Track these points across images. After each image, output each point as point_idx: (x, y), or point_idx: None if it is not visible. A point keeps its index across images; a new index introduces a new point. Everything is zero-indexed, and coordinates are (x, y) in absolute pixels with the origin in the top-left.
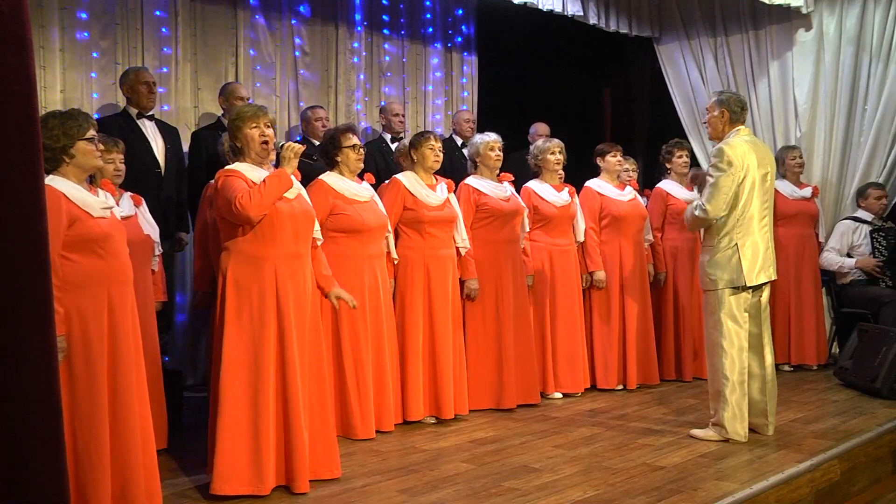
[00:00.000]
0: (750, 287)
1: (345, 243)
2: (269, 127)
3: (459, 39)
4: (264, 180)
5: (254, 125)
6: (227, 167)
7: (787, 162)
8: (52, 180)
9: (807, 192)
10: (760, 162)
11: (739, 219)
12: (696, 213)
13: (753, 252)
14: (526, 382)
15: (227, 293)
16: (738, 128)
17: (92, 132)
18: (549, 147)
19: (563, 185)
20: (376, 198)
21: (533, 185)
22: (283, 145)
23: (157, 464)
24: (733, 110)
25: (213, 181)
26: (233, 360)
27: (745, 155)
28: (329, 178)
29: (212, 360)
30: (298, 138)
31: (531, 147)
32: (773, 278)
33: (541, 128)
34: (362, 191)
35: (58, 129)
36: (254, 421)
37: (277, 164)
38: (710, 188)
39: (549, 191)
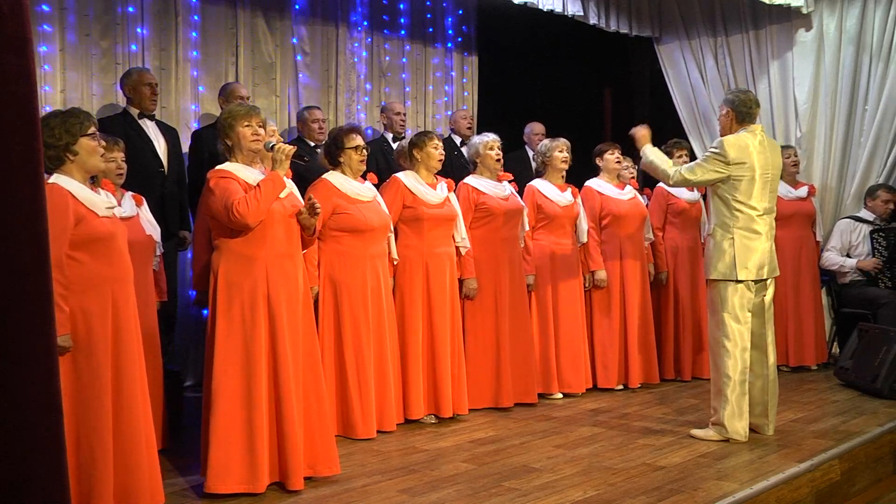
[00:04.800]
0: (752, 286)
1: (347, 242)
2: (261, 126)
3: (459, 39)
4: (258, 185)
5: (246, 124)
6: (218, 167)
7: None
8: (57, 178)
9: (802, 191)
10: (765, 163)
11: (737, 216)
12: (671, 174)
13: (748, 250)
14: (523, 381)
15: (219, 292)
16: (750, 125)
17: (93, 129)
18: (556, 146)
19: (566, 185)
20: (379, 198)
21: (537, 183)
22: (273, 147)
23: (158, 462)
24: (739, 110)
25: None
26: (224, 359)
27: (744, 153)
28: (332, 177)
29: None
30: (295, 138)
31: (538, 146)
32: (764, 277)
33: (536, 127)
34: (365, 190)
35: (59, 128)
36: (247, 419)
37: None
38: (696, 162)
39: (553, 190)
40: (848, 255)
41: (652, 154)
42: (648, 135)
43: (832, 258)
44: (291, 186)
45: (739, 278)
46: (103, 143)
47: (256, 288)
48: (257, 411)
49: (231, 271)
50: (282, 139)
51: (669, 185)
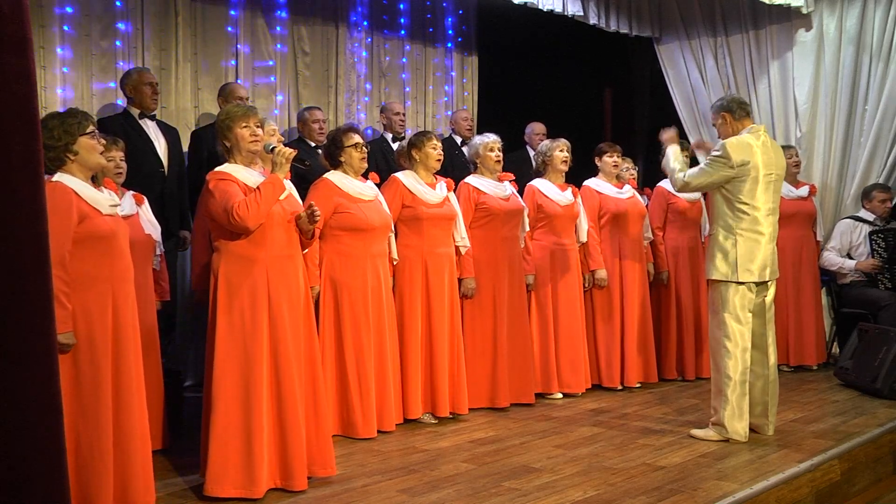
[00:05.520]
0: (753, 287)
1: (348, 242)
2: (259, 127)
3: (459, 39)
4: (259, 188)
5: (244, 125)
6: (217, 169)
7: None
8: (60, 177)
9: (803, 191)
10: (768, 163)
11: (741, 217)
12: (676, 180)
13: (751, 251)
14: (520, 381)
15: (219, 293)
16: (750, 126)
17: (92, 128)
18: (557, 146)
19: (566, 185)
20: (380, 197)
21: (537, 183)
22: (273, 149)
23: (151, 461)
24: (733, 110)
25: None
26: (224, 361)
27: (748, 154)
28: (333, 176)
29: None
30: (290, 139)
31: (539, 145)
32: (766, 279)
33: (537, 127)
34: (367, 190)
35: (58, 129)
36: (246, 423)
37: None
38: (700, 167)
39: (553, 190)
40: (849, 255)
41: (672, 157)
42: (676, 137)
43: (832, 259)
44: (290, 188)
45: (741, 280)
46: (102, 142)
47: (257, 290)
48: (256, 416)
49: (231, 273)
50: (282, 139)
51: (676, 191)
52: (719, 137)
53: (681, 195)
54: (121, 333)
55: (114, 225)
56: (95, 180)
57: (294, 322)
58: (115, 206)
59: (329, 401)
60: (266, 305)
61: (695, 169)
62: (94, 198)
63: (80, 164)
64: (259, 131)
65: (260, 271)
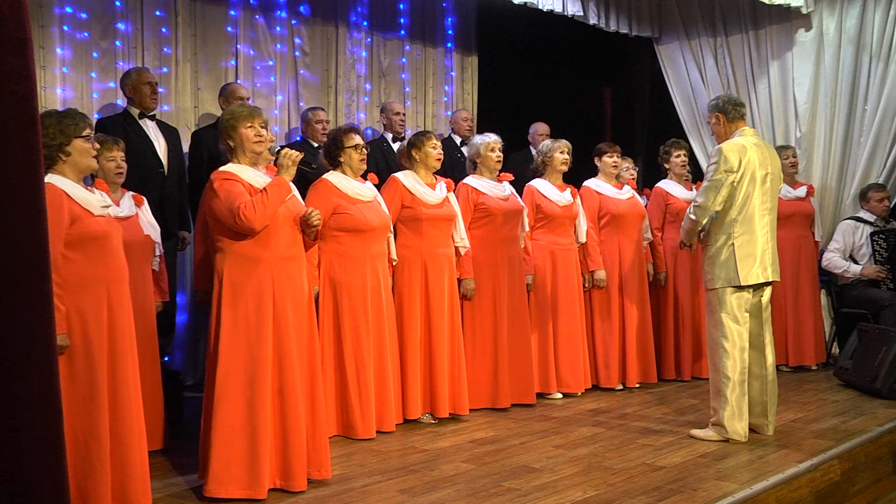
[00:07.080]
0: (750, 287)
1: (347, 243)
2: (263, 127)
3: (460, 39)
4: (265, 190)
5: (248, 125)
6: (221, 169)
7: (781, 162)
8: (51, 178)
9: (801, 191)
10: (763, 163)
11: (737, 218)
12: (691, 214)
13: (750, 252)
14: (521, 382)
15: (223, 294)
16: (742, 128)
17: (88, 131)
18: (557, 146)
19: (565, 185)
20: (379, 198)
21: (536, 183)
22: (279, 151)
23: (148, 462)
24: (727, 111)
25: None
26: (229, 361)
27: (744, 155)
28: (333, 177)
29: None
30: (299, 138)
31: (539, 145)
32: (770, 279)
33: (540, 127)
34: (366, 190)
35: (54, 128)
36: (250, 423)
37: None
38: (704, 185)
39: (552, 190)
40: (852, 256)
41: (683, 224)
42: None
43: (836, 262)
44: (293, 188)
45: (742, 284)
46: (97, 145)
47: (262, 290)
48: (261, 416)
49: (235, 273)
50: (273, 138)
51: (703, 223)
52: (713, 135)
53: (679, 195)
54: (117, 334)
55: (106, 225)
56: (93, 178)
57: (298, 322)
58: (107, 206)
59: (328, 402)
60: (271, 306)
61: (699, 193)
62: (85, 199)
63: (72, 166)
64: (263, 132)
65: (264, 272)
